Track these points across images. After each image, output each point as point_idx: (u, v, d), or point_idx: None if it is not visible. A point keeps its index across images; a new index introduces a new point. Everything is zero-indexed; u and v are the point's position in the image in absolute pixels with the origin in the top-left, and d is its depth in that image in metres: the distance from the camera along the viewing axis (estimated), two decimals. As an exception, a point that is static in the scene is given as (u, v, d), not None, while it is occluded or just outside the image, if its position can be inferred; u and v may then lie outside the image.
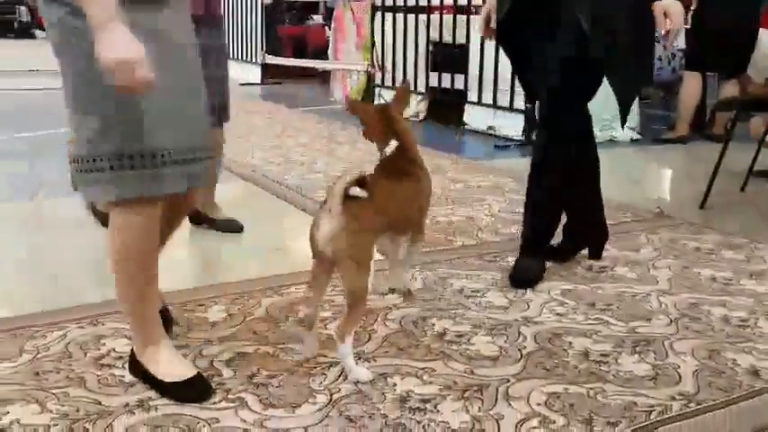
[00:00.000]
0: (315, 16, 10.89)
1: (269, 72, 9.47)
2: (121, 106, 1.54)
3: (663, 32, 2.27)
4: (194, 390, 1.75)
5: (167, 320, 1.99)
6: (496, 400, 1.75)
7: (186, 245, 3.02)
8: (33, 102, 7.17)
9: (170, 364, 1.78)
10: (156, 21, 1.60)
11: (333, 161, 4.58)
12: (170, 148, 1.62)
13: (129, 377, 1.83)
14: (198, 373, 1.79)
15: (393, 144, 2.14)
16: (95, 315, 2.19)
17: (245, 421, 1.65)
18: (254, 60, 9.66)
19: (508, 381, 1.84)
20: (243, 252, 2.95)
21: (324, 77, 9.02)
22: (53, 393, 1.74)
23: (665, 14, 2.24)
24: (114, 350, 1.97)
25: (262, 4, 9.46)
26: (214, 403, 1.72)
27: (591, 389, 1.81)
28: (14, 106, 7.04)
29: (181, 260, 2.86)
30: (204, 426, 1.63)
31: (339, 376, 1.85)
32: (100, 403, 1.71)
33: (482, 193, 3.85)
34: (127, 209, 1.64)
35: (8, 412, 1.66)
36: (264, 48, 9.42)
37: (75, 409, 1.68)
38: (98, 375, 1.84)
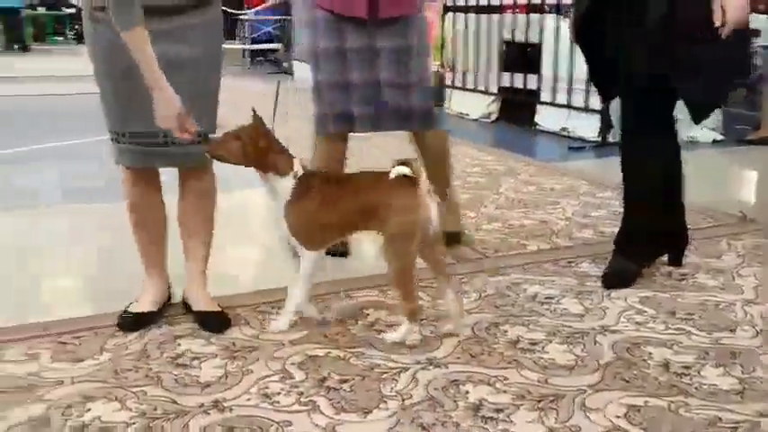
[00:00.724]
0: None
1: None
2: (111, 99, 2.05)
3: (717, 25, 2.18)
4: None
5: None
6: (573, 411, 1.71)
7: (259, 247, 3.06)
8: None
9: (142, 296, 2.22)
10: (165, 26, 1.96)
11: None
12: (139, 130, 2.04)
13: (204, 377, 1.86)
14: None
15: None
16: (172, 315, 2.24)
17: (317, 425, 1.65)
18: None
19: (585, 391, 1.79)
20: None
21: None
22: (132, 392, 1.79)
23: (723, 7, 2.15)
24: (190, 350, 2.01)
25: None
26: (287, 405, 1.73)
27: (672, 402, 1.74)
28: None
29: (257, 262, 2.90)
30: (277, 428, 1.64)
31: (411, 382, 1.84)
32: (176, 403, 1.74)
33: (556, 196, 3.77)
34: (123, 171, 2.16)
35: (90, 409, 1.71)
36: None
37: (152, 407, 1.72)
38: (174, 375, 1.88)
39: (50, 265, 2.82)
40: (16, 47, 14.44)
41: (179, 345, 2.05)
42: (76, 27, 17.54)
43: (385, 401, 1.75)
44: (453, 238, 2.86)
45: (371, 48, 2.62)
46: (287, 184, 2.04)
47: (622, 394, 1.78)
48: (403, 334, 2.05)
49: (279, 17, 11.88)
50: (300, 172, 2.06)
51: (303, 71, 10.17)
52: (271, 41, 12.35)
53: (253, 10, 12.60)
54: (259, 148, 2.00)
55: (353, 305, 2.35)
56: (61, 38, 17.57)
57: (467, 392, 1.79)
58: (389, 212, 1.99)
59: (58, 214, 3.50)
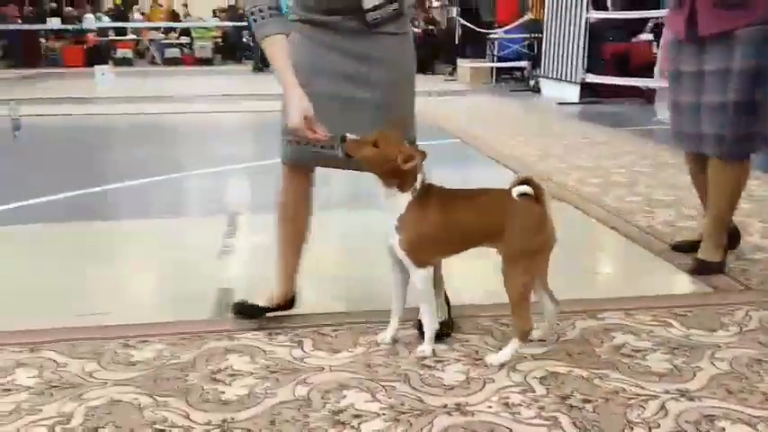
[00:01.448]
0: (642, 35, 10.43)
1: (588, 91, 9.30)
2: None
3: None
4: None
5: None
6: None
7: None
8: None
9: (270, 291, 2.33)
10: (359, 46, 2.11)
11: (656, 184, 4.35)
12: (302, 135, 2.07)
13: (447, 380, 1.93)
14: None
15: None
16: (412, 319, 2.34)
17: (558, 441, 1.64)
18: (572, 79, 9.58)
19: None
20: (557, 272, 2.94)
21: (648, 96, 8.61)
22: (382, 385, 1.91)
23: None
24: (435, 353, 2.10)
25: (586, 21, 9.34)
26: (527, 418, 1.74)
27: None
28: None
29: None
30: (518, 439, 1.66)
31: (659, 411, 1.76)
32: (422, 401, 1.83)
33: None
34: (283, 167, 2.29)
35: (345, 396, 1.86)
36: (585, 66, 9.29)
37: (400, 402, 1.82)
38: (420, 374, 1.97)
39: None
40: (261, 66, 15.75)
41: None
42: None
43: (631, 428, 1.69)
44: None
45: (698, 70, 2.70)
46: (404, 199, 2.03)
47: None
48: (509, 353, 2.04)
49: (528, 35, 11.88)
50: (419, 186, 2.03)
51: (551, 88, 10.12)
52: (519, 59, 12.38)
53: (502, 29, 12.73)
54: (390, 161, 1.97)
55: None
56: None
57: (723, 429, 1.67)
58: (514, 231, 1.98)
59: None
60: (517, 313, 2.03)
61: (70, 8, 21.62)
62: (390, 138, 1.99)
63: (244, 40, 19.08)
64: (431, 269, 2.09)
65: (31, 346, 2.14)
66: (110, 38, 19.15)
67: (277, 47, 2.05)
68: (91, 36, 19.00)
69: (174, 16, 21.76)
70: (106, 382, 1.93)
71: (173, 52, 19.29)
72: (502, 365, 2.01)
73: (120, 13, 21.24)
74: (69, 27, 19.26)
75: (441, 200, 2.06)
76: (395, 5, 2.10)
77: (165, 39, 19.93)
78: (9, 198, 4.07)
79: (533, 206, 2.01)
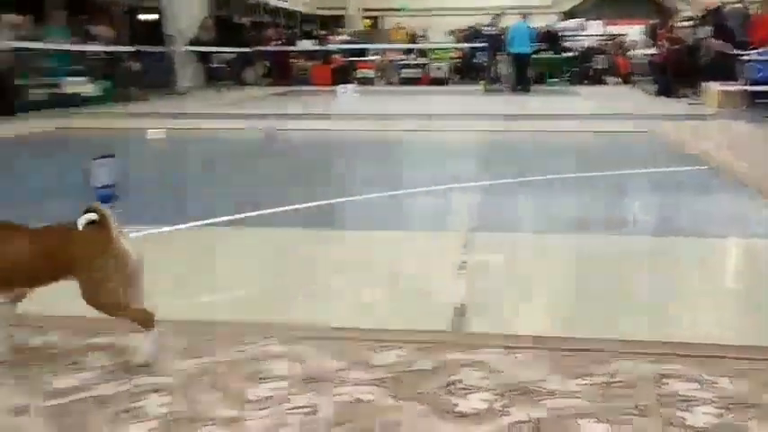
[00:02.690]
0: None
1: None
2: None
3: None
4: None
5: None
6: None
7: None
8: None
9: None
10: None
11: None
12: None
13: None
14: None
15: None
16: None
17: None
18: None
19: None
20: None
21: None
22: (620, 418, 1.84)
23: None
24: None
25: None
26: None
27: None
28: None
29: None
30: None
31: None
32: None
33: None
34: None
35: (579, 425, 1.81)
36: None
37: (641, 439, 1.73)
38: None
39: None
40: (519, 87, 15.91)
41: None
42: (573, 69, 18.89)
43: None
44: None
45: None
46: None
47: None
48: (150, 345, 2.14)
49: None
50: None
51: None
52: (776, 83, 11.26)
53: (758, 50, 11.68)
54: None
55: None
56: (557, 79, 18.88)
57: None
58: (84, 261, 2.04)
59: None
60: (124, 317, 2.12)
61: (323, 32, 23.57)
62: None
63: (475, 60, 19.48)
64: None
65: (286, 340, 2.34)
66: (352, 59, 20.47)
67: None
68: (337, 57, 20.44)
69: (412, 39, 22.75)
70: (349, 381, 2.05)
71: (410, 72, 20.14)
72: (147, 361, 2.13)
73: (363, 36, 22.71)
74: (317, 48, 20.90)
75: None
76: None
77: (404, 59, 20.87)
78: (266, 203, 4.49)
79: (98, 233, 2.06)
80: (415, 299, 2.83)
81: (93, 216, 2.07)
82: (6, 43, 11.35)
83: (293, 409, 1.90)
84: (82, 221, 2.07)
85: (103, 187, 4.22)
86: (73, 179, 4.97)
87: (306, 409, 1.90)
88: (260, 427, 1.82)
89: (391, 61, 20.81)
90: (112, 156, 4.31)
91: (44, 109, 11.41)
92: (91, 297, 2.08)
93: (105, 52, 14.20)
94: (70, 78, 12.67)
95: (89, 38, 14.12)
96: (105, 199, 4.16)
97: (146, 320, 2.13)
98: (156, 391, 1.99)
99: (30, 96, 11.74)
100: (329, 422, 1.83)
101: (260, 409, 1.90)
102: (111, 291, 2.07)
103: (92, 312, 2.10)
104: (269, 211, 4.31)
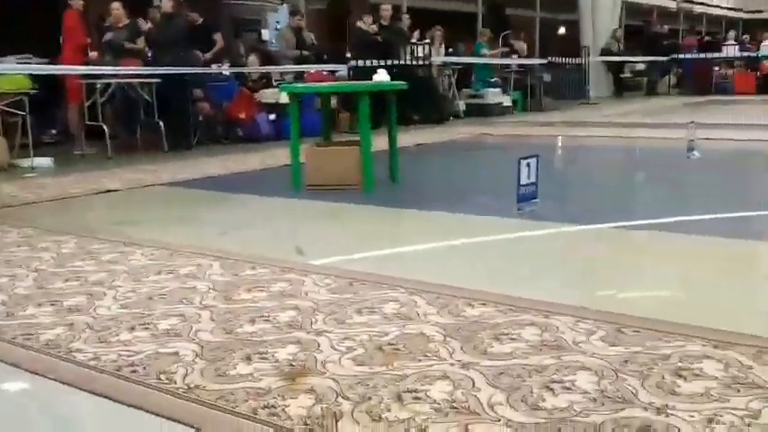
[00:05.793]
0: None
1: None
2: None
3: None
4: None
5: None
6: None
7: None
8: None
9: None
10: None
11: None
12: None
13: None
14: None
15: None
16: None
17: None
18: None
19: None
20: None
21: None
22: None
23: None
24: None
25: None
26: None
27: None
28: None
29: None
30: None
31: None
32: None
33: None
34: None
35: None
36: None
37: None
38: None
39: None
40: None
41: None
42: None
43: None
44: None
45: None
46: None
47: None
48: None
49: None
50: None
51: None
52: None
53: None
54: None
55: None
56: None
57: None
58: None
59: None
60: None
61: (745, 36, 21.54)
62: None
63: None
64: None
65: (715, 343, 2.26)
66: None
67: None
68: (766, 63, 18.48)
69: None
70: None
71: None
72: None
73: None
74: (743, 54, 19.17)
75: None
76: None
77: None
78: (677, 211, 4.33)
79: None
80: None
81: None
82: (448, 59, 12.99)
83: (731, 409, 1.84)
84: None
85: (527, 185, 4.49)
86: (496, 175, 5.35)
87: (746, 413, 1.82)
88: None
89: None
90: (536, 156, 4.56)
91: (468, 117, 12.78)
92: None
93: (519, 65, 14.99)
94: (491, 90, 13.71)
95: (511, 52, 15.07)
96: (527, 196, 4.44)
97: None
98: (584, 368, 2.11)
99: (457, 106, 13.07)
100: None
101: (691, 404, 1.88)
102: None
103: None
104: (689, 218, 4.16)
